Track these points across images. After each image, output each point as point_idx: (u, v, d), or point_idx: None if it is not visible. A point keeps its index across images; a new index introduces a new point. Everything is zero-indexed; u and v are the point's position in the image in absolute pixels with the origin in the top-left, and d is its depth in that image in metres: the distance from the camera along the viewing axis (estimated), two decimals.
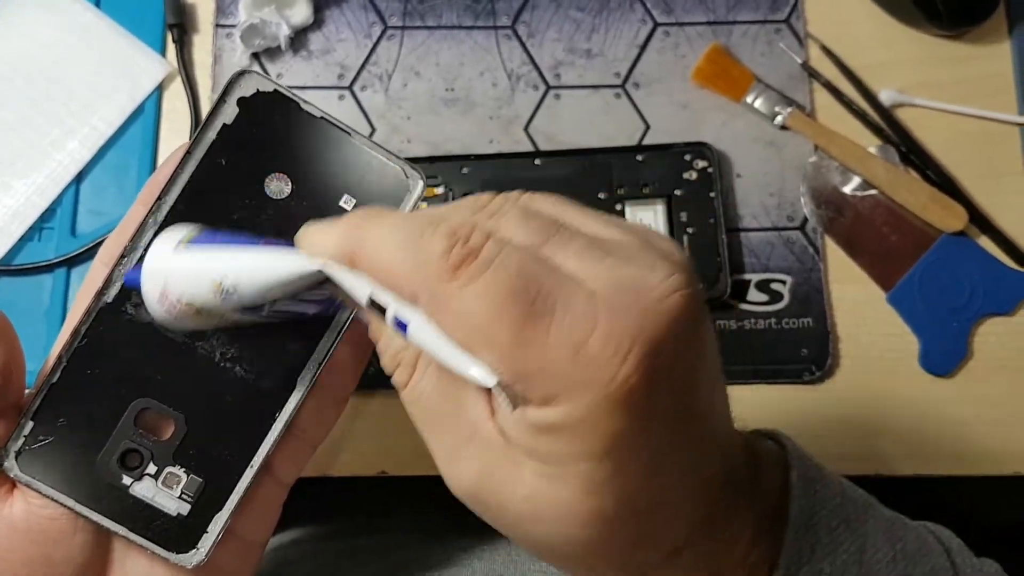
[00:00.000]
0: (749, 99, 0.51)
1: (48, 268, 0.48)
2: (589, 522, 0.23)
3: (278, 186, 0.31)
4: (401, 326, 0.24)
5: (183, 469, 0.30)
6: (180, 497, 0.30)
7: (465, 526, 0.48)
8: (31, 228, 0.48)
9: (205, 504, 0.30)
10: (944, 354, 0.48)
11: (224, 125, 0.31)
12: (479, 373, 0.22)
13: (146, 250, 0.29)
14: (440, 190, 0.49)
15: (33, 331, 0.47)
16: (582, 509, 0.23)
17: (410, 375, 0.25)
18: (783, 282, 0.48)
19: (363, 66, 0.52)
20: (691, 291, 0.22)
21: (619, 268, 0.22)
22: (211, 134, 0.31)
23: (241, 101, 0.31)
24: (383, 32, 0.52)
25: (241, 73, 0.31)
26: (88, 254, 0.48)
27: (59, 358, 0.30)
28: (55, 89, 0.50)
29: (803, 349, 0.47)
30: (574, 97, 0.51)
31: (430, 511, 0.51)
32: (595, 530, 0.23)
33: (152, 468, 0.30)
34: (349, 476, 0.46)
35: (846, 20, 0.53)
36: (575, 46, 0.52)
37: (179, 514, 0.30)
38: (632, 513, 0.23)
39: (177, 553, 0.30)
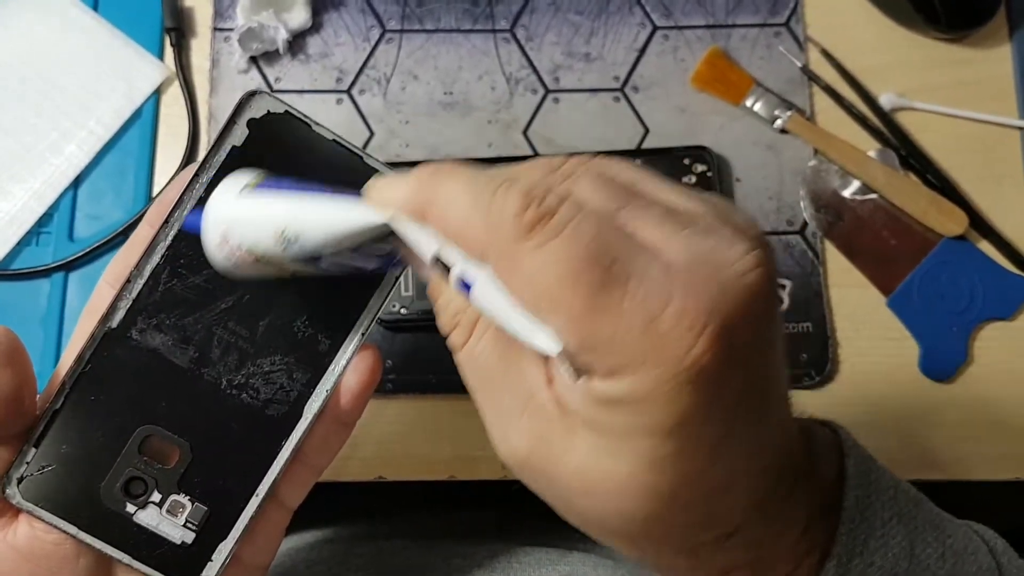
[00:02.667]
0: (748, 103, 0.50)
1: (46, 273, 0.48)
2: (645, 498, 0.22)
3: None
4: (465, 286, 0.23)
5: (188, 497, 0.30)
6: (185, 525, 0.30)
7: (463, 532, 0.48)
8: (28, 233, 0.48)
9: (210, 532, 0.30)
10: (944, 359, 0.48)
11: (234, 147, 0.30)
12: (544, 339, 0.21)
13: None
14: None
15: (30, 336, 0.47)
16: (639, 485, 0.22)
17: (467, 337, 0.25)
18: (783, 286, 0.48)
19: (361, 70, 0.51)
20: (770, 268, 0.22)
21: (697, 240, 0.22)
22: (221, 155, 0.30)
23: (252, 122, 0.30)
24: (381, 36, 0.52)
25: (252, 94, 0.30)
26: (86, 259, 0.48)
27: (62, 384, 0.29)
28: (52, 93, 0.50)
29: (803, 354, 0.47)
30: (573, 101, 0.51)
31: (428, 517, 0.51)
32: (650, 507, 0.22)
33: (156, 496, 0.30)
34: (347, 481, 0.46)
35: (846, 23, 0.52)
36: (574, 50, 0.52)
37: (183, 542, 0.30)
38: (690, 494, 0.22)
39: None
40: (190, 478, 0.30)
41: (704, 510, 0.23)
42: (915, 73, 0.52)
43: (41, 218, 0.48)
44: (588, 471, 0.23)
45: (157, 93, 0.51)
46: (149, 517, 0.30)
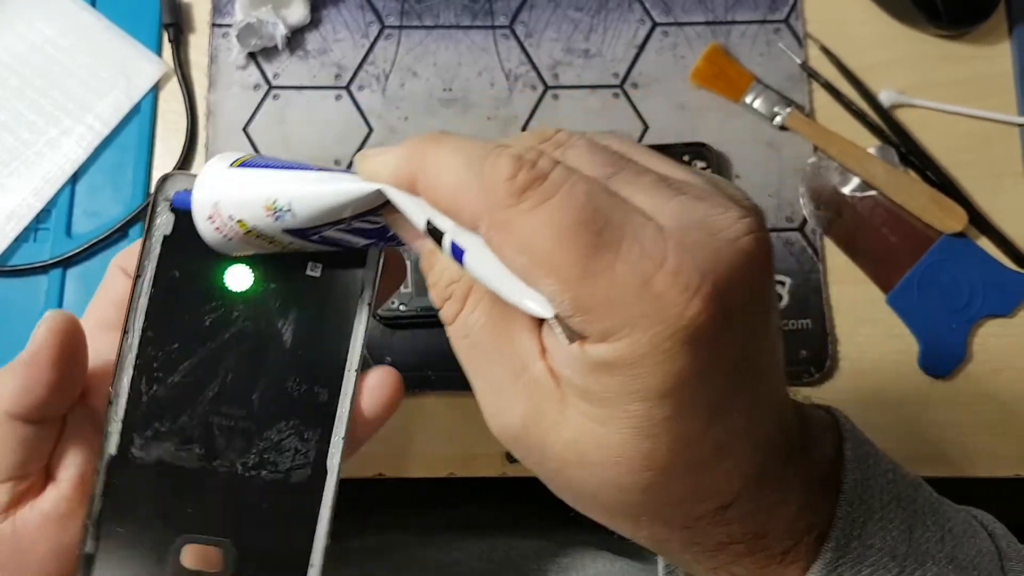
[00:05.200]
0: (748, 99, 0.50)
1: (44, 269, 0.48)
2: (639, 467, 0.22)
3: (240, 277, 0.30)
4: (457, 254, 0.23)
5: None
6: None
7: (463, 527, 0.48)
8: (26, 229, 0.48)
9: None
10: (943, 356, 0.48)
11: (165, 237, 0.30)
12: (537, 303, 0.21)
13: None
14: None
15: (27, 333, 0.47)
16: (633, 453, 0.22)
17: (460, 309, 0.24)
18: (782, 283, 0.48)
19: (360, 66, 0.51)
20: (763, 235, 0.22)
21: (691, 206, 0.22)
22: (156, 249, 0.30)
23: (174, 207, 0.30)
24: (380, 32, 0.52)
25: (164, 178, 0.30)
26: (84, 255, 0.48)
27: (85, 527, 0.29)
28: (50, 89, 0.50)
29: (802, 351, 0.47)
30: (572, 97, 0.51)
31: (427, 513, 0.51)
32: (645, 477, 0.22)
33: None
34: (346, 478, 0.46)
35: (845, 20, 0.52)
36: (573, 46, 0.52)
37: None
38: (686, 461, 0.22)
39: None
40: (243, 571, 0.29)
41: (699, 479, 0.23)
42: (915, 70, 0.52)
43: (39, 214, 0.48)
44: (581, 441, 0.22)
45: (155, 89, 0.50)
46: None
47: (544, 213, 0.21)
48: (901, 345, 0.48)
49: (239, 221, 0.25)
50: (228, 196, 0.25)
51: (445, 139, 0.23)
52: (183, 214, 0.29)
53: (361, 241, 0.28)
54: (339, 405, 0.30)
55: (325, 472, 0.30)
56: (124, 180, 0.49)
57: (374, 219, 0.26)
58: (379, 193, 0.24)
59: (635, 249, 0.20)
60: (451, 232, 0.23)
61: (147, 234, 0.29)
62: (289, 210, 0.24)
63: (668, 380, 0.21)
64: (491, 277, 0.22)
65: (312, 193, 0.24)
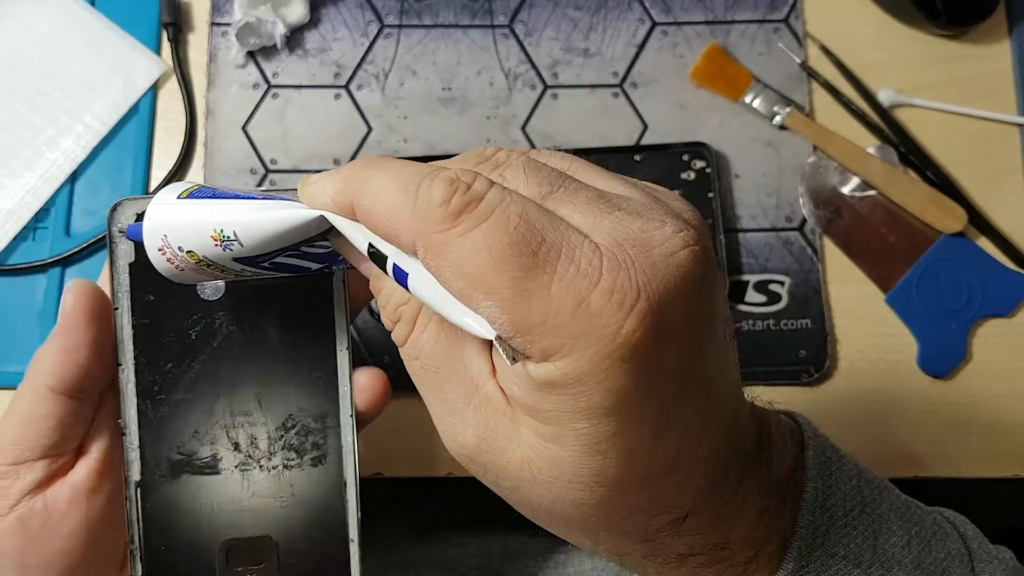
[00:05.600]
0: (747, 99, 0.50)
1: (42, 268, 0.48)
2: (591, 483, 0.22)
3: (213, 286, 0.31)
4: (400, 277, 0.23)
5: None
6: None
7: (460, 527, 0.48)
8: (25, 228, 0.48)
9: None
10: (943, 356, 0.48)
11: (130, 264, 0.30)
12: (477, 324, 0.21)
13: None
14: None
15: (26, 332, 0.47)
16: (584, 470, 0.22)
17: (410, 331, 0.25)
18: (781, 283, 0.48)
19: (359, 65, 0.51)
20: (701, 248, 0.22)
21: (626, 222, 0.22)
22: (125, 278, 0.30)
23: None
24: (380, 31, 0.52)
25: (115, 206, 0.30)
26: (83, 254, 0.48)
27: (131, 552, 0.30)
28: (49, 87, 0.50)
29: (801, 351, 0.47)
30: (572, 96, 0.51)
31: (425, 512, 0.51)
32: (598, 492, 0.22)
33: None
34: None
35: (845, 20, 0.52)
36: (573, 45, 0.52)
37: None
38: (636, 475, 0.22)
39: None
40: (288, 560, 0.31)
41: (653, 493, 0.23)
42: (914, 69, 0.52)
43: (38, 213, 0.48)
44: (534, 459, 0.22)
45: (154, 88, 0.50)
46: None
47: (478, 236, 0.21)
48: (900, 345, 0.48)
49: (189, 252, 0.25)
50: (176, 228, 0.25)
51: (383, 164, 0.23)
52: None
53: (313, 265, 0.28)
54: (339, 384, 0.31)
55: (341, 448, 0.31)
56: (123, 179, 0.49)
57: (323, 244, 0.26)
58: (322, 219, 0.24)
59: (570, 268, 0.20)
60: (393, 256, 0.23)
61: (112, 266, 0.30)
62: (235, 239, 0.25)
63: (611, 397, 0.21)
64: (434, 299, 0.22)
65: (255, 220, 0.24)
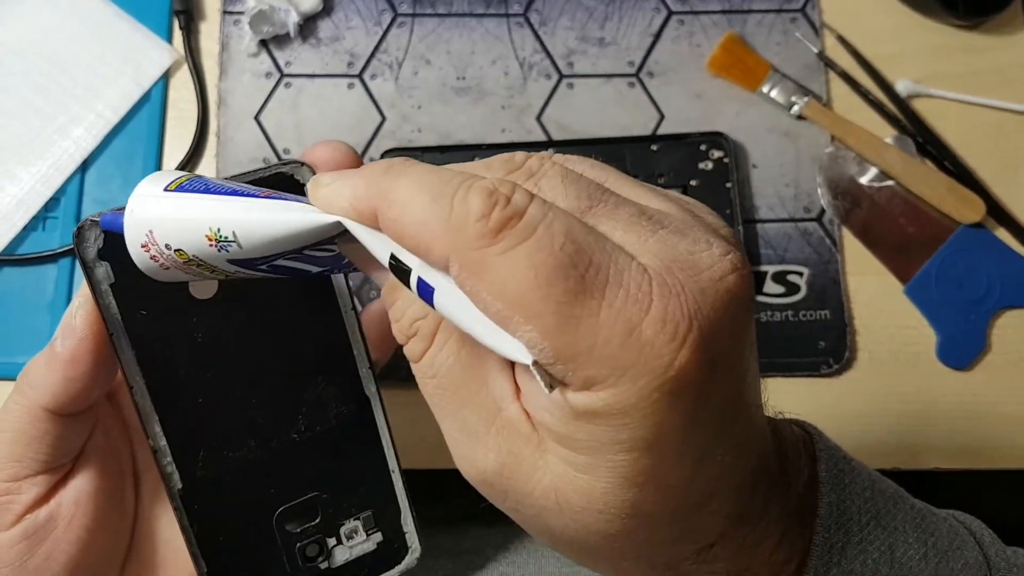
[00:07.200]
0: (765, 89, 0.50)
1: (52, 258, 0.47)
2: (623, 516, 0.21)
3: (204, 284, 0.29)
4: (426, 292, 0.21)
5: (352, 519, 0.32)
6: (369, 535, 0.32)
7: (476, 519, 0.47)
8: (35, 217, 0.47)
9: (388, 518, 0.33)
10: (962, 347, 0.47)
11: (112, 285, 0.28)
12: (515, 349, 0.20)
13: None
14: None
15: (37, 322, 0.46)
16: (617, 502, 0.21)
17: (427, 347, 0.23)
18: (800, 274, 0.48)
19: (373, 54, 0.51)
20: (746, 271, 0.21)
21: (672, 242, 0.20)
22: (111, 302, 0.28)
23: (102, 253, 0.27)
24: (393, 19, 0.51)
25: (80, 229, 0.27)
26: None
27: (194, 555, 0.30)
28: (60, 76, 0.49)
29: (820, 342, 0.47)
30: (587, 86, 0.51)
31: (426, 507, 0.50)
32: (629, 524, 0.21)
33: (332, 542, 0.32)
34: None
35: (862, 10, 0.52)
36: (588, 34, 0.51)
37: (379, 543, 0.32)
38: (670, 509, 0.21)
39: (402, 563, 0.33)
40: (339, 508, 0.32)
41: (685, 524, 0.22)
42: (931, 60, 0.51)
43: (48, 202, 0.48)
44: (562, 488, 0.21)
45: (166, 77, 0.50)
46: (342, 555, 0.32)
47: (521, 255, 0.19)
48: (919, 336, 0.47)
49: (177, 251, 0.23)
50: (164, 224, 0.23)
51: (407, 169, 0.22)
52: (114, 243, 0.26)
53: (314, 269, 0.26)
54: (351, 342, 0.31)
55: (367, 399, 0.32)
56: (134, 169, 0.49)
57: (328, 247, 0.24)
58: (336, 224, 0.22)
59: (620, 294, 0.19)
60: (417, 268, 0.21)
61: (94, 293, 0.28)
62: (234, 240, 0.22)
63: (654, 431, 0.20)
64: (463, 318, 0.20)
65: (260, 223, 0.22)
